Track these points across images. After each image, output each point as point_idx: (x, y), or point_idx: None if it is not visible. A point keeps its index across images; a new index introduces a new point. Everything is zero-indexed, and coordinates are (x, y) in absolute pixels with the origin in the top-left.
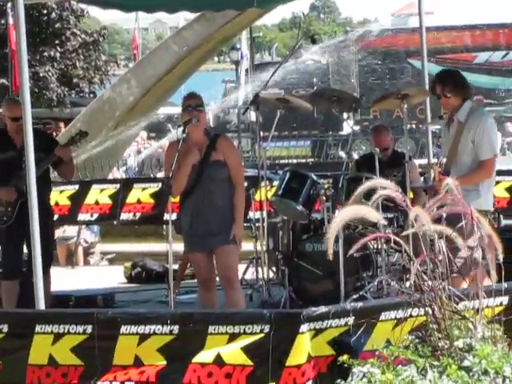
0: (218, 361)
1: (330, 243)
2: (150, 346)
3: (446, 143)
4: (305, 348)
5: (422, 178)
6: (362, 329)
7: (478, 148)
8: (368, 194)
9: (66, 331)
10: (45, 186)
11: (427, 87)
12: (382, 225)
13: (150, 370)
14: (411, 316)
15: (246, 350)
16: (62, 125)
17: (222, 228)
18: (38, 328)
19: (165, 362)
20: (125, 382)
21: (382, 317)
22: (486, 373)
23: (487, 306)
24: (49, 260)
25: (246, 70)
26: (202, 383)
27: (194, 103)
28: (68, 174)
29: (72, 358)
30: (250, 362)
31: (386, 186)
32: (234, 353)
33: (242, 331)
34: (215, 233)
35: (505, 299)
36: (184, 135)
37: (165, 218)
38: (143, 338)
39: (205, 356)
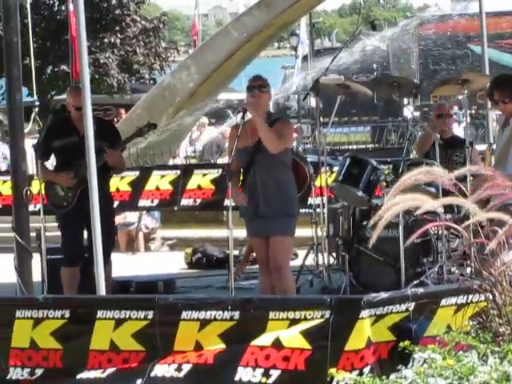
0: (277, 344)
1: (378, 230)
2: (210, 332)
3: (499, 145)
4: (365, 333)
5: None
6: (423, 315)
7: None
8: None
9: (127, 317)
10: (105, 172)
11: (487, 72)
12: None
13: (208, 353)
14: (472, 302)
15: (306, 334)
16: (122, 111)
17: (278, 214)
18: (99, 314)
19: (224, 346)
20: (183, 364)
21: (443, 302)
22: None
23: None
24: (110, 246)
25: (305, 57)
26: (259, 365)
27: (256, 84)
28: (116, 172)
29: (133, 343)
30: (308, 346)
31: (441, 174)
32: (293, 336)
33: (302, 317)
34: (270, 218)
35: None
36: (243, 120)
37: (225, 204)
38: (204, 323)
39: (264, 339)
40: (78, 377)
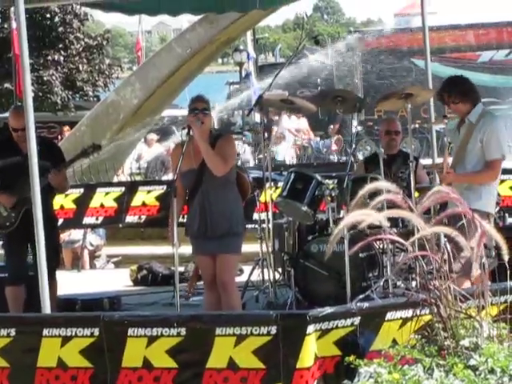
0: (232, 365)
1: (330, 246)
2: (158, 348)
3: (456, 145)
4: (311, 350)
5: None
6: (368, 329)
7: (486, 148)
8: (373, 194)
9: (73, 334)
10: (48, 191)
11: (431, 86)
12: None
13: (165, 377)
14: (417, 316)
15: (257, 353)
16: (66, 128)
17: (224, 233)
18: (45, 332)
19: (176, 366)
20: None
21: (388, 316)
22: (492, 371)
23: (492, 305)
24: (55, 264)
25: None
26: None
27: (200, 106)
28: (60, 192)
29: (81, 360)
30: (262, 366)
31: (388, 189)
32: (245, 356)
33: (249, 333)
34: (217, 237)
35: (510, 298)
36: (188, 137)
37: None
38: (151, 340)
39: (217, 361)
40: None
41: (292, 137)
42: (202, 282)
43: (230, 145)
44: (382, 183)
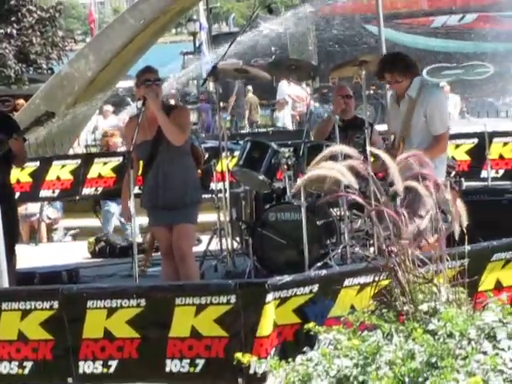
0: (195, 334)
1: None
2: (118, 319)
3: (396, 118)
4: (271, 317)
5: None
6: (327, 296)
7: (431, 124)
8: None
9: (32, 307)
10: (5, 164)
11: (385, 52)
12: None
13: (128, 346)
14: (375, 281)
15: (218, 321)
16: (21, 101)
17: (180, 203)
18: (4, 306)
19: (138, 336)
20: (108, 360)
21: (346, 283)
22: (451, 335)
23: (449, 269)
24: (14, 239)
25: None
26: (184, 356)
27: (151, 77)
28: (19, 163)
29: (42, 332)
30: (225, 334)
31: (348, 153)
32: (208, 325)
33: (208, 302)
34: (173, 208)
35: (466, 262)
36: (144, 108)
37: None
38: (111, 311)
39: (180, 330)
40: None
41: (292, 103)
42: (158, 254)
43: (185, 115)
44: (343, 147)
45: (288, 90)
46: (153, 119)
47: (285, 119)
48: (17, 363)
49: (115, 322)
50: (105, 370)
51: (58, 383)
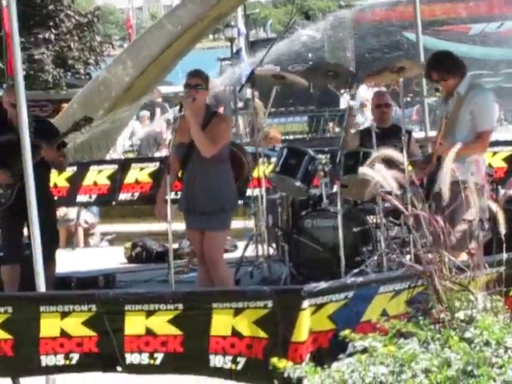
0: (236, 333)
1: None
2: (158, 320)
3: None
4: (307, 324)
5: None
6: (361, 302)
7: (477, 120)
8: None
9: (71, 310)
10: (44, 169)
11: (422, 60)
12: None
13: (172, 341)
14: (409, 287)
15: (257, 323)
16: (65, 105)
17: (212, 209)
18: (42, 308)
19: (181, 333)
20: (154, 353)
21: (381, 289)
22: (487, 344)
23: (487, 275)
24: (54, 244)
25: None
26: (227, 353)
27: (193, 82)
28: (57, 168)
29: (83, 329)
30: (265, 335)
31: (394, 158)
32: (247, 325)
33: (245, 306)
34: (204, 213)
35: (503, 269)
36: (180, 113)
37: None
38: (149, 314)
39: (220, 329)
40: (43, 364)
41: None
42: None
43: (223, 125)
44: (391, 152)
45: (366, 94)
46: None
47: (366, 123)
48: (62, 355)
49: (156, 322)
50: (151, 362)
51: (108, 371)
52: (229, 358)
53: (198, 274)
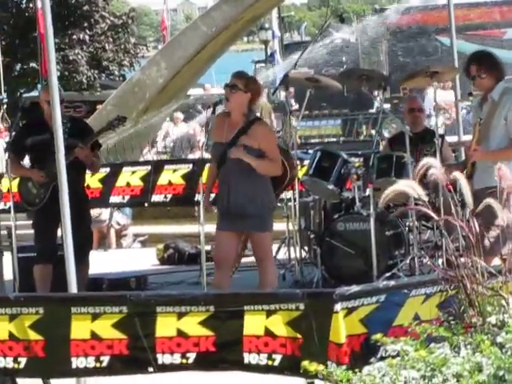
0: (269, 333)
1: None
2: (189, 322)
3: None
4: (341, 327)
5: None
6: (393, 306)
7: (511, 126)
8: (398, 173)
9: (102, 312)
10: (79, 170)
11: (456, 64)
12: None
13: (204, 342)
14: (440, 291)
15: (291, 324)
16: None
17: (253, 212)
18: (73, 310)
19: (212, 333)
20: (186, 353)
21: (413, 293)
22: None
23: None
24: (87, 245)
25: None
26: (261, 351)
27: (231, 82)
28: (91, 169)
29: (114, 332)
30: (298, 335)
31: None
32: (280, 326)
33: (278, 308)
34: (247, 216)
35: None
36: (213, 115)
37: (196, 199)
38: (181, 315)
39: (253, 329)
40: (74, 366)
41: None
42: (243, 260)
43: (270, 137)
44: (431, 160)
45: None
46: (234, 124)
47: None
48: (93, 358)
49: (187, 323)
50: (184, 361)
51: (139, 372)
52: (264, 355)
53: (214, 279)
